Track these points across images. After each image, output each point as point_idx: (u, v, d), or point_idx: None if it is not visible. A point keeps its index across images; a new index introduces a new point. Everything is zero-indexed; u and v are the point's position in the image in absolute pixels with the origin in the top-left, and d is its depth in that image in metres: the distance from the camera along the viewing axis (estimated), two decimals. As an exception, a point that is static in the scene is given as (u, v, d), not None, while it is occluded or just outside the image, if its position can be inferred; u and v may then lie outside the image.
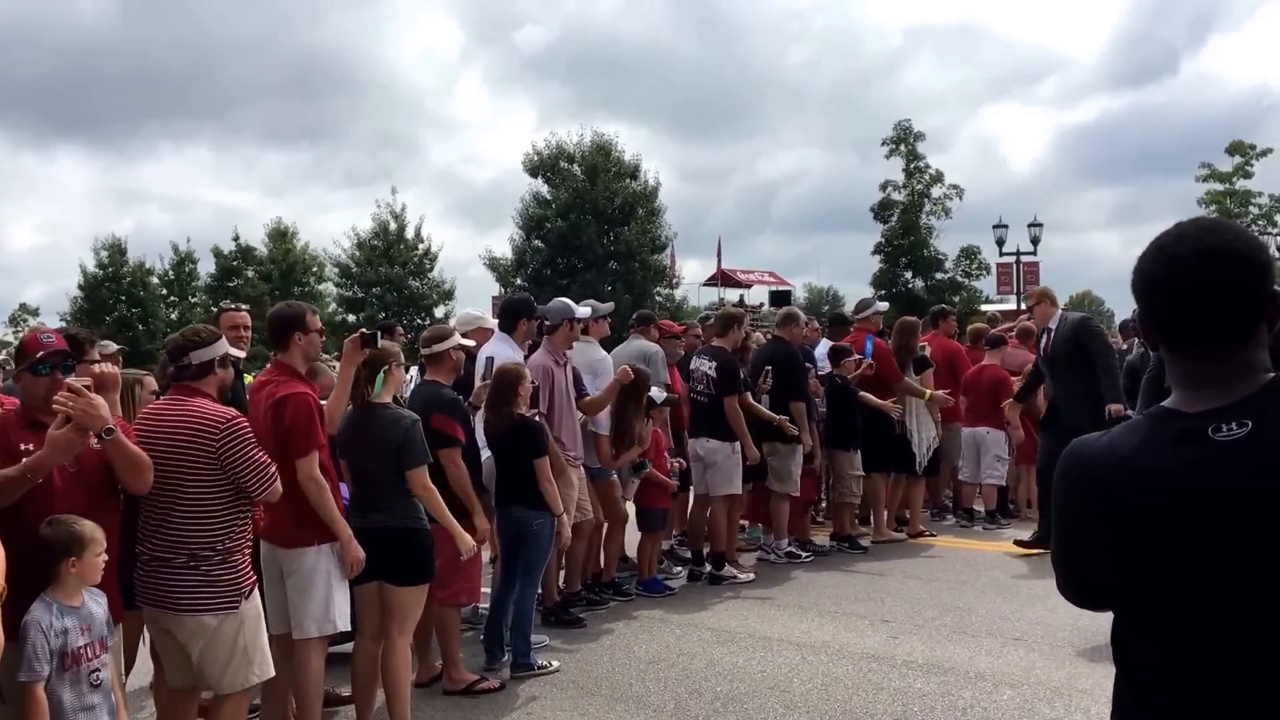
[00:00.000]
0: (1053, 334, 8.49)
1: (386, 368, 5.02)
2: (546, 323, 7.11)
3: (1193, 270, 1.58)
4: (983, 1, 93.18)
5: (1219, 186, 32.95)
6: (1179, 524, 1.53)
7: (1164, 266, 1.61)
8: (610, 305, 8.20)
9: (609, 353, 7.95)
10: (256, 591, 4.17)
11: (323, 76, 77.83)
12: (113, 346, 6.54)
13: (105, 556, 3.73)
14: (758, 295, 33.14)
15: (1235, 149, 32.76)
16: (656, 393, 7.73)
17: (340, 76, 77.76)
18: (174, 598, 3.99)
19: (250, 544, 4.20)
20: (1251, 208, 32.67)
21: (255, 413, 4.58)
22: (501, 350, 6.68)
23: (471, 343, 6.39)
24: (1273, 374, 1.58)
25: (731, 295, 31.16)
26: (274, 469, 4.06)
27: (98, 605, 3.79)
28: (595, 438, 7.30)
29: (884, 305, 10.79)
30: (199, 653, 4.01)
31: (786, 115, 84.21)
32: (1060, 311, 8.69)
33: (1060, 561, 1.80)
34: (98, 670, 3.73)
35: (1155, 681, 1.63)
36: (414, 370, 6.84)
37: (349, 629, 4.79)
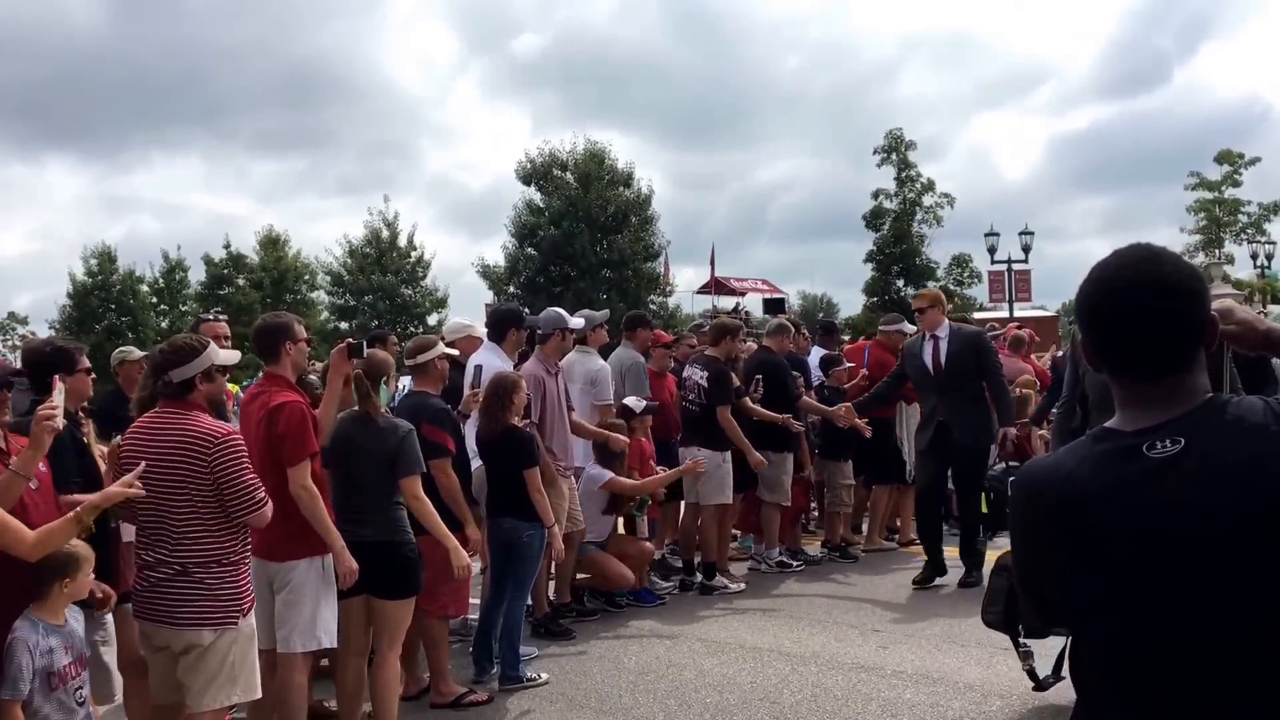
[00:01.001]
0: (941, 344, 7.94)
1: (386, 378, 5.04)
2: (538, 332, 7.11)
3: (1130, 299, 1.63)
4: (977, 11, 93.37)
5: (1208, 195, 33.12)
6: (1117, 539, 1.59)
7: (1102, 296, 1.67)
8: (606, 314, 8.21)
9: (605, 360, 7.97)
10: (254, 610, 4.15)
11: (317, 84, 77.71)
12: (137, 353, 6.50)
13: (92, 576, 3.76)
14: (751, 303, 33.12)
15: (1224, 158, 33.01)
16: (634, 401, 7.73)
17: (334, 84, 77.67)
18: (172, 612, 3.95)
19: (250, 558, 4.17)
20: (1240, 216, 32.89)
21: (248, 424, 4.57)
22: (491, 360, 6.66)
23: (455, 351, 6.38)
24: (1209, 395, 1.63)
25: (725, 303, 31.10)
26: (262, 494, 4.00)
27: (77, 623, 3.84)
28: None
29: (910, 327, 10.38)
30: (185, 667, 3.97)
31: (781, 123, 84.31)
32: (949, 322, 8.17)
33: (1019, 578, 1.83)
34: (81, 688, 3.77)
35: (1106, 702, 1.66)
36: (405, 380, 6.83)
37: (334, 645, 4.76)
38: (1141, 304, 1.62)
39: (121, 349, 6.73)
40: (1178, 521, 1.54)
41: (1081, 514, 1.62)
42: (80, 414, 4.58)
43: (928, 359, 7.99)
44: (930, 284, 39.27)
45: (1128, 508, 1.57)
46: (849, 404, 8.48)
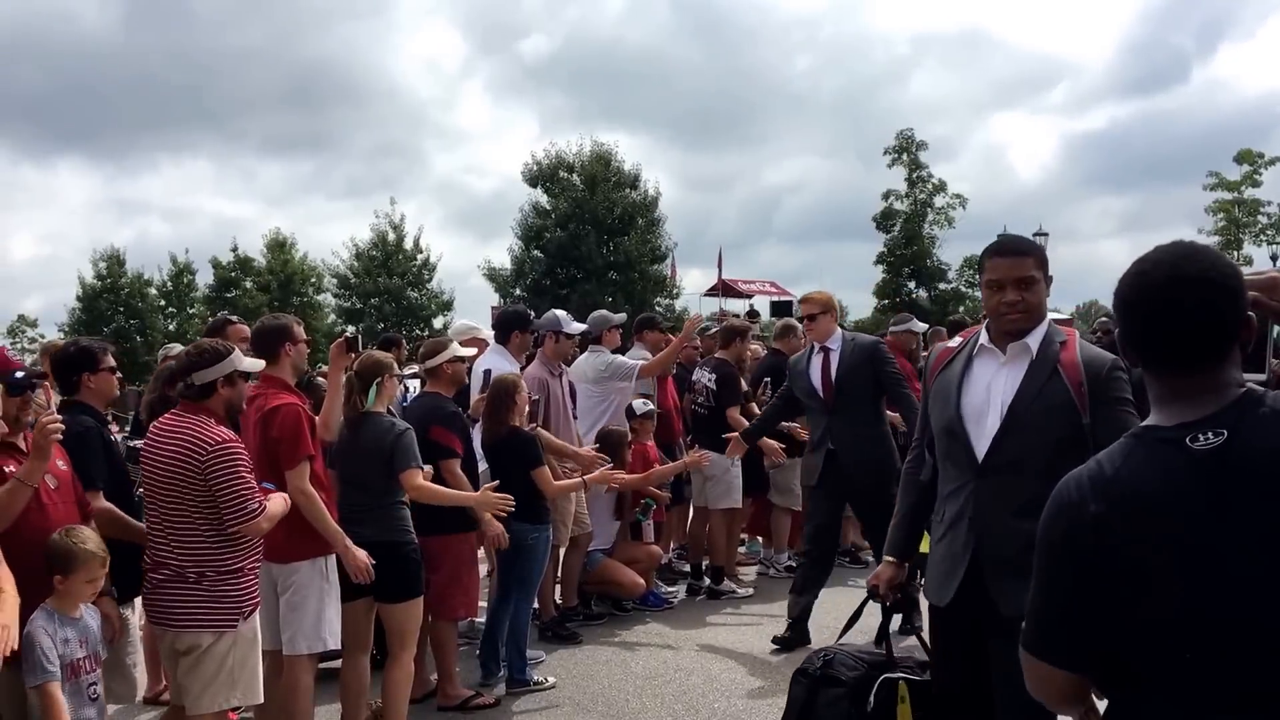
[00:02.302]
0: (834, 356, 6.61)
1: (380, 379, 5.01)
2: (536, 335, 7.12)
3: (1168, 296, 1.67)
4: (991, 9, 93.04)
5: (1227, 195, 32.86)
6: (1166, 533, 1.60)
7: (1141, 292, 1.71)
8: (622, 316, 8.18)
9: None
10: (257, 613, 4.13)
11: (324, 87, 77.67)
12: (177, 348, 6.49)
13: (98, 583, 3.75)
14: (759, 306, 33.00)
15: (1243, 157, 32.66)
16: (639, 403, 7.69)
17: (342, 87, 77.67)
18: (171, 613, 3.97)
19: (258, 562, 4.15)
20: (1260, 216, 32.61)
21: (246, 427, 4.55)
22: (498, 363, 6.66)
23: (471, 351, 6.34)
24: (1244, 388, 1.67)
25: (732, 305, 31.03)
26: (255, 505, 3.95)
27: (93, 619, 3.84)
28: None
29: (921, 325, 9.95)
30: (184, 669, 3.97)
31: (790, 124, 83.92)
32: (843, 331, 6.83)
33: (1052, 615, 1.75)
34: (95, 684, 3.77)
35: (1164, 691, 1.65)
36: (414, 383, 6.83)
37: (339, 647, 4.74)
38: (1179, 299, 1.66)
39: (165, 347, 6.76)
40: (1221, 510, 1.57)
41: (1129, 508, 1.64)
42: (108, 414, 4.58)
43: (816, 376, 6.60)
44: (941, 286, 39.19)
45: (1173, 499, 1.60)
46: (736, 435, 7.12)
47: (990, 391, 3.14)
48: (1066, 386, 3.02)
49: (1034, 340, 3.12)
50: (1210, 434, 1.60)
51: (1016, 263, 3.13)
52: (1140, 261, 1.73)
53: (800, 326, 8.44)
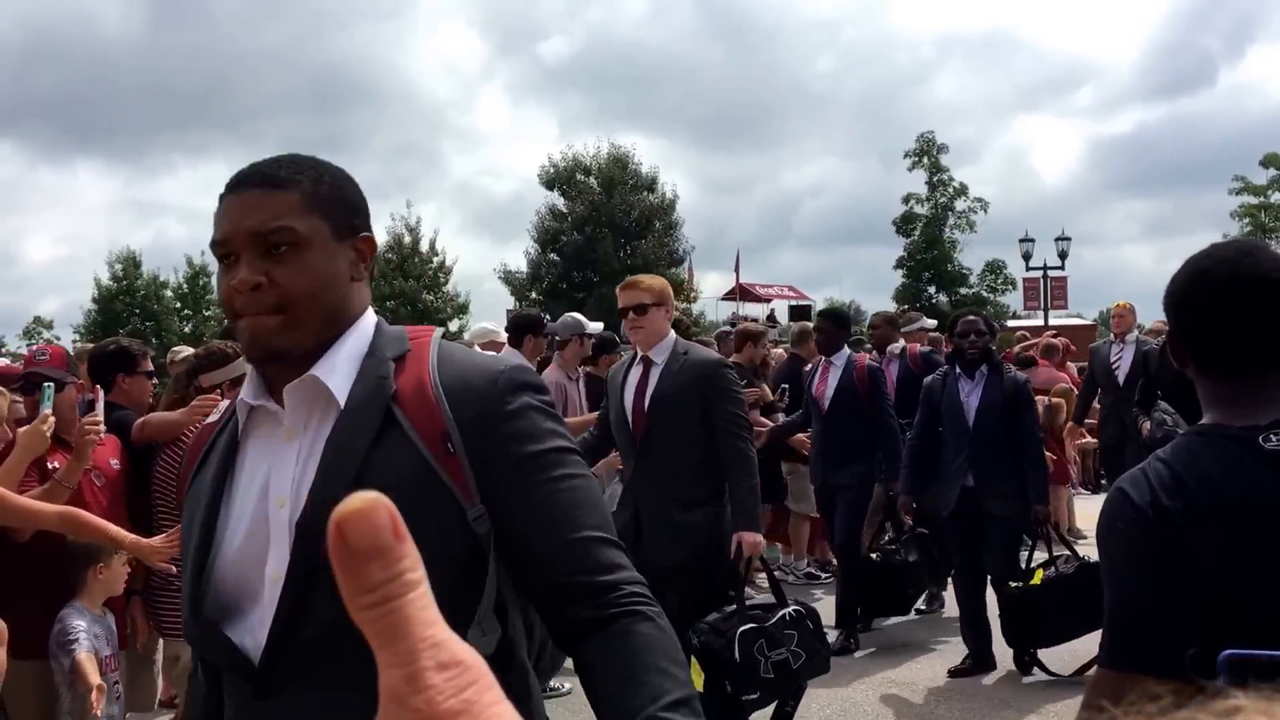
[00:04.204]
0: (652, 374, 4.50)
1: None
2: (556, 338, 7.07)
3: (1230, 293, 1.63)
4: (1018, 10, 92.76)
5: (1253, 200, 32.54)
6: (1254, 529, 1.55)
7: (1200, 289, 1.66)
8: None
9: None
10: None
11: (342, 89, 78.28)
12: (185, 350, 6.49)
13: (111, 579, 3.77)
14: (777, 310, 32.87)
15: (1270, 161, 32.32)
16: None
17: (360, 89, 78.25)
18: (163, 621, 4.04)
19: None
20: (1286, 221, 32.25)
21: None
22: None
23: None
24: None
25: (750, 310, 30.95)
26: None
27: (112, 620, 3.88)
28: None
29: (931, 322, 10.02)
30: (176, 678, 3.96)
31: (810, 126, 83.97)
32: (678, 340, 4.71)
33: (1139, 619, 1.61)
34: (117, 683, 3.80)
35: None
36: None
37: None
38: (1242, 298, 1.62)
39: (173, 350, 6.75)
40: None
41: (1204, 503, 1.57)
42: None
43: (629, 400, 4.57)
44: (962, 290, 38.90)
45: (1250, 498, 1.56)
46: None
47: None
48: None
49: None
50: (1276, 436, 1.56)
51: None
52: (1198, 259, 1.68)
53: (811, 328, 8.39)
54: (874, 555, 6.54)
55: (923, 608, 7.32)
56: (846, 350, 6.77)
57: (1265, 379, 1.62)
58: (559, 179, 38.54)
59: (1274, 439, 1.56)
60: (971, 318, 6.08)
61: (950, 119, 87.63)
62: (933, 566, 6.65)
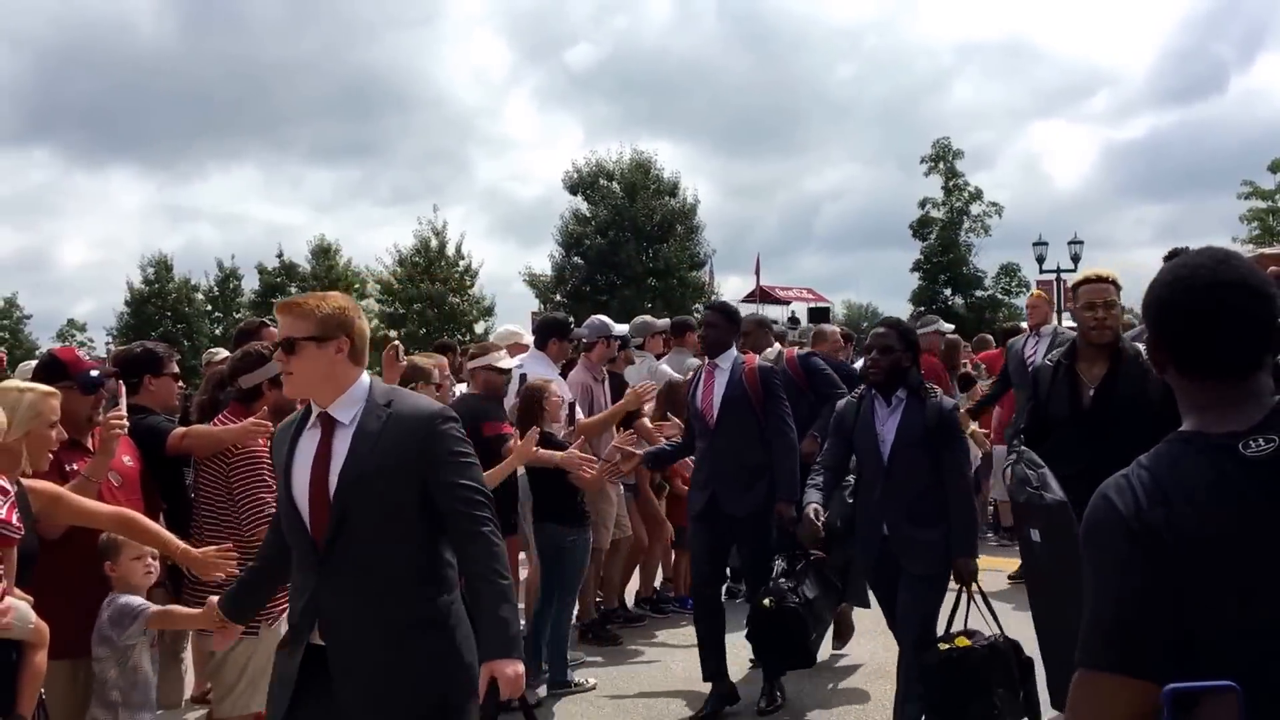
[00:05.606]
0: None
1: (414, 385, 5.11)
2: (583, 340, 7.16)
3: (1212, 298, 1.66)
4: (1033, 18, 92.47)
5: (1261, 204, 32.33)
6: (1234, 535, 1.56)
7: (1181, 295, 1.69)
8: (665, 322, 8.29)
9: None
10: (285, 617, 4.16)
11: (373, 95, 78.64)
12: (222, 352, 6.57)
13: (153, 563, 3.76)
14: (797, 312, 32.98)
15: (1278, 166, 32.07)
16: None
17: (390, 95, 78.66)
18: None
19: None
20: (1294, 225, 31.98)
21: None
22: (535, 368, 6.67)
23: (513, 362, 6.34)
24: (1279, 397, 1.65)
25: (770, 312, 30.98)
26: (273, 510, 3.95)
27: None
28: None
29: (947, 326, 9.88)
30: (209, 672, 4.05)
31: (831, 131, 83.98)
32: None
33: (1118, 622, 1.63)
34: (156, 661, 3.88)
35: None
36: (460, 386, 6.93)
37: None
38: (1224, 302, 1.65)
39: (209, 350, 6.85)
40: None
41: (1200, 514, 1.58)
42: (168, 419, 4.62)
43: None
44: (977, 293, 38.92)
45: (1231, 503, 1.57)
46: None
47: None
48: None
49: None
50: (1262, 440, 1.59)
51: None
52: (1177, 267, 1.72)
53: (828, 329, 8.42)
54: (766, 602, 5.13)
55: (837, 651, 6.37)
56: (734, 351, 5.70)
57: (1246, 382, 1.65)
58: (583, 184, 38.69)
59: (1254, 445, 1.58)
60: (881, 329, 4.79)
61: (968, 125, 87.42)
62: (838, 594, 5.53)
